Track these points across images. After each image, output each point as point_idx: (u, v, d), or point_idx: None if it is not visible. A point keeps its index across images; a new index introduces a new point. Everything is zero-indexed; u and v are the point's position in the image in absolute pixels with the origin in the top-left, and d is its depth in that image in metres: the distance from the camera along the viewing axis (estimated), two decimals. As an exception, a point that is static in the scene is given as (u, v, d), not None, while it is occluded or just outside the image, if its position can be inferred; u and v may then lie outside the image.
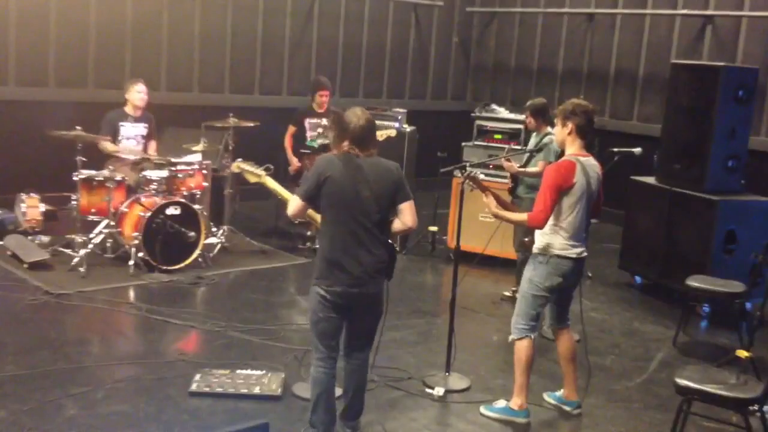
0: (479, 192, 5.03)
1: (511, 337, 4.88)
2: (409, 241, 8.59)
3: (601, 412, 5.08)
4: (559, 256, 4.67)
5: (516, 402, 4.83)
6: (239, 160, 5.08)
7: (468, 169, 5.08)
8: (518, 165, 6.87)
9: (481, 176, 5.34)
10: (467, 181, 4.97)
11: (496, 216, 4.85)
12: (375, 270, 4.11)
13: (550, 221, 4.63)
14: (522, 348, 4.78)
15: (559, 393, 5.06)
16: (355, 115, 4.11)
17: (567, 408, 4.95)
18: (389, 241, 4.21)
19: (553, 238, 4.67)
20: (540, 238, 4.73)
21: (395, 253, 4.24)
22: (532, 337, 4.77)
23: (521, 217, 4.78)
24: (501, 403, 4.92)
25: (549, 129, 6.84)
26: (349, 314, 4.19)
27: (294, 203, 4.13)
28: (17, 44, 8.39)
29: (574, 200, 4.63)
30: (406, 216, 4.15)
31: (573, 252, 4.69)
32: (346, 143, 4.11)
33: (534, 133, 6.97)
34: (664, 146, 7.57)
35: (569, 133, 4.70)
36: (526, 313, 4.77)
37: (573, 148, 4.71)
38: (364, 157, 4.11)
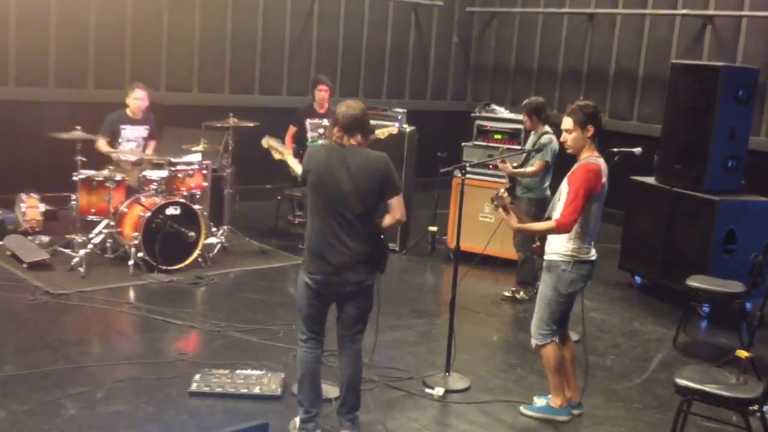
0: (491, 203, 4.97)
1: (534, 343, 4.86)
2: (409, 241, 8.59)
3: (601, 412, 5.08)
4: (583, 261, 4.66)
5: (555, 401, 4.89)
6: (267, 136, 5.38)
7: (501, 190, 4.96)
8: (515, 164, 6.87)
9: (474, 185, 5.30)
10: (495, 201, 4.88)
11: (519, 230, 4.88)
12: (355, 261, 4.18)
13: (576, 226, 4.59)
14: (549, 352, 4.80)
15: (544, 402, 4.98)
16: (347, 105, 4.26)
17: (560, 417, 4.90)
18: (381, 235, 4.28)
19: (578, 243, 4.64)
20: (564, 245, 4.65)
21: (385, 247, 4.32)
22: (556, 340, 4.80)
23: (548, 224, 4.67)
24: (541, 402, 4.96)
25: (546, 128, 6.85)
26: (335, 303, 4.31)
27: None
28: (17, 44, 8.39)
29: (600, 203, 4.65)
30: (395, 211, 4.26)
31: (592, 255, 4.71)
32: (335, 129, 4.22)
33: (532, 133, 6.98)
34: (664, 146, 7.57)
35: (591, 137, 4.67)
36: (549, 319, 4.76)
37: (589, 151, 4.69)
38: (352, 145, 4.18)
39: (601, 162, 4.69)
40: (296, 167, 4.92)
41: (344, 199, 4.12)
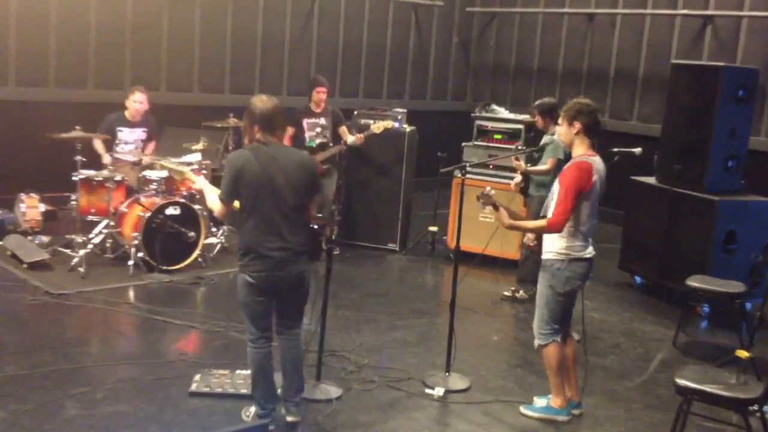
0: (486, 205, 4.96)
1: (537, 344, 4.86)
2: (409, 241, 8.59)
3: (601, 412, 5.08)
4: (578, 259, 4.66)
5: (556, 401, 4.89)
6: (164, 159, 5.17)
7: (487, 188, 4.98)
8: (529, 164, 6.88)
9: (473, 186, 5.30)
10: (481, 200, 4.91)
11: (511, 228, 4.85)
12: (294, 252, 4.27)
13: (568, 224, 4.60)
14: (550, 353, 4.80)
15: (544, 403, 4.97)
16: (261, 100, 4.36)
17: (560, 417, 4.89)
18: (311, 225, 4.41)
19: (571, 241, 4.64)
20: (557, 243, 4.67)
21: (317, 236, 4.46)
22: (558, 340, 4.79)
23: (539, 223, 4.70)
24: (542, 402, 4.96)
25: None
26: (276, 296, 4.35)
27: (218, 206, 4.31)
28: (17, 44, 8.39)
29: (592, 201, 4.65)
30: (310, 209, 4.41)
31: (587, 253, 4.71)
32: (256, 128, 4.27)
33: (546, 133, 6.98)
34: (664, 146, 7.57)
35: (576, 134, 4.69)
36: (549, 318, 4.77)
37: (582, 149, 4.70)
38: (274, 143, 4.29)
39: (595, 160, 4.67)
40: (198, 181, 4.81)
41: (279, 192, 4.21)
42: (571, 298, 4.82)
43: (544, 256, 4.77)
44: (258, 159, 4.20)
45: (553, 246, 4.69)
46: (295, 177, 4.25)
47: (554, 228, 4.59)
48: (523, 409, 4.97)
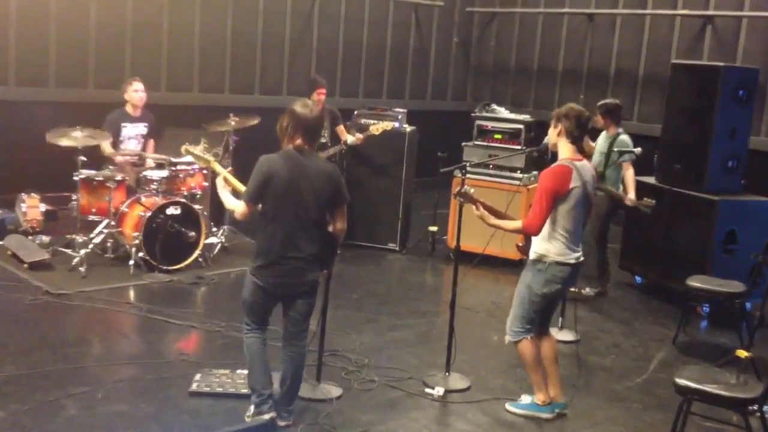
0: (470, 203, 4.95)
1: (508, 339, 4.87)
2: (409, 241, 8.59)
3: (601, 412, 5.08)
4: (558, 263, 4.65)
5: (539, 398, 4.88)
6: (187, 144, 5.16)
7: (464, 186, 5.00)
8: (599, 169, 6.89)
9: (473, 186, 5.34)
10: (458, 196, 4.94)
11: (491, 226, 4.84)
12: (307, 262, 4.30)
13: (548, 227, 4.60)
14: (522, 349, 4.81)
15: (529, 400, 4.97)
16: (309, 109, 4.29)
17: (543, 414, 4.87)
18: (333, 238, 4.42)
19: (551, 244, 4.64)
20: (538, 245, 4.69)
21: (335, 245, 4.47)
22: (529, 337, 4.79)
23: (516, 224, 4.71)
24: (526, 399, 4.96)
25: (619, 129, 6.96)
26: (283, 301, 4.38)
27: (240, 208, 4.27)
28: (17, 44, 8.38)
29: (571, 205, 4.61)
30: (339, 220, 4.39)
31: (571, 257, 4.68)
32: (298, 134, 4.24)
33: (603, 132, 7.10)
34: (664, 146, 7.57)
35: (559, 135, 4.70)
36: (522, 317, 4.77)
37: (566, 152, 4.69)
38: (307, 151, 4.26)
39: (578, 165, 4.63)
40: (223, 172, 4.76)
41: (304, 203, 4.22)
42: (549, 301, 4.80)
43: (530, 256, 4.78)
44: (287, 166, 4.19)
45: (537, 247, 4.71)
46: (320, 188, 4.24)
47: (529, 229, 4.60)
48: (508, 406, 4.97)
